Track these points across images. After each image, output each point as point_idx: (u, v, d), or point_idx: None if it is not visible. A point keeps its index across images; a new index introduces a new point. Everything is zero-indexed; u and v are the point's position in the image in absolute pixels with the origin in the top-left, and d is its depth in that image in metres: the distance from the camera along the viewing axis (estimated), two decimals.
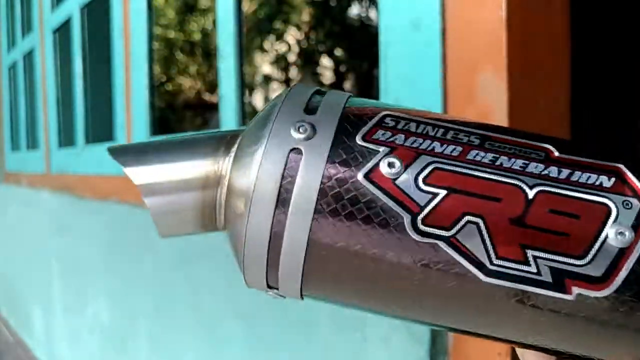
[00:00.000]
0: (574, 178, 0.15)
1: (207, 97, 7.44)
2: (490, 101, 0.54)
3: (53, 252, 1.86)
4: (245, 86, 1.01)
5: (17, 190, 2.40)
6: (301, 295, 0.17)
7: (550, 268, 0.15)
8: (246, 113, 1.01)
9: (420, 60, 0.60)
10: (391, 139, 0.16)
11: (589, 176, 0.15)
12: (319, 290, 0.17)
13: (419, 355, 0.58)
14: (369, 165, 0.16)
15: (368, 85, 6.05)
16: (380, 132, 0.16)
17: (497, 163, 0.16)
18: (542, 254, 0.15)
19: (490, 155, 0.16)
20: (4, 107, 2.76)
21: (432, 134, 0.16)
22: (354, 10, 5.94)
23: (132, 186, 0.19)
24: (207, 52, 6.99)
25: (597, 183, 0.15)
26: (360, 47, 5.89)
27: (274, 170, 0.16)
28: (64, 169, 1.82)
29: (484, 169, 0.16)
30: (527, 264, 0.15)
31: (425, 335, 0.58)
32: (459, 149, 0.16)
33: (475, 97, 0.56)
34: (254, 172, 0.16)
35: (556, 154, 0.16)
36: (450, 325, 0.17)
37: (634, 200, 0.15)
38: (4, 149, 2.77)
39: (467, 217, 0.15)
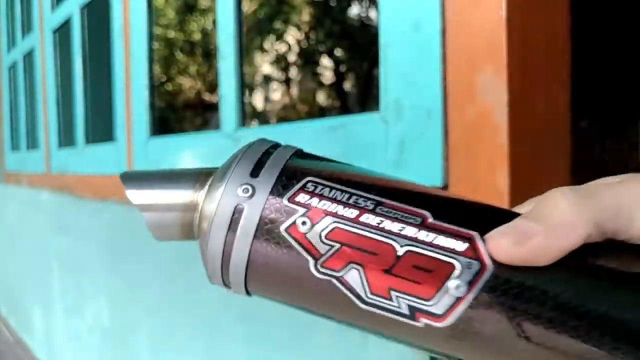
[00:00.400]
0: (436, 242, 0.22)
1: (207, 97, 7.44)
2: (490, 101, 0.54)
3: (53, 251, 1.86)
4: (245, 86, 1.01)
5: (17, 190, 2.40)
6: (247, 293, 0.25)
7: (407, 304, 0.22)
8: (246, 113, 1.01)
9: (420, 60, 0.60)
10: (308, 202, 0.23)
11: (448, 241, 0.22)
12: (257, 292, 0.25)
13: (419, 355, 0.59)
14: (289, 221, 0.23)
15: (368, 85, 6.06)
16: (302, 195, 0.23)
17: (381, 226, 0.22)
18: (402, 295, 0.22)
19: (377, 219, 0.23)
20: (4, 107, 2.77)
21: (339, 198, 0.23)
22: (354, 11, 5.95)
23: None
24: (207, 52, 7.00)
25: (452, 247, 0.22)
26: (360, 47, 5.89)
27: (227, 211, 0.24)
28: (64, 169, 1.82)
29: (370, 230, 0.22)
30: (391, 299, 0.22)
31: None
32: (356, 212, 0.23)
33: (475, 97, 0.56)
34: (214, 208, 0.24)
35: (430, 220, 0.22)
36: (362, 331, 0.25)
37: (475, 263, 0.21)
38: (4, 149, 2.77)
39: (352, 265, 0.23)
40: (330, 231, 0.23)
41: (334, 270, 0.22)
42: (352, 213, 0.23)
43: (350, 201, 0.23)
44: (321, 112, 6.61)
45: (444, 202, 0.24)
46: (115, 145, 1.40)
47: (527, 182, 0.55)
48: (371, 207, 0.23)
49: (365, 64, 6.02)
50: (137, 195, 0.26)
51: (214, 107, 6.95)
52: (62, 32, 1.89)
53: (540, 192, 0.24)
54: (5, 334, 2.51)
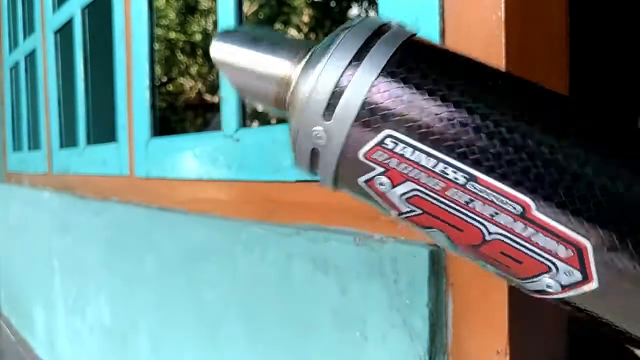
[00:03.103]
0: (534, 239, 0.18)
1: (208, 97, 7.44)
2: None
3: (54, 251, 1.87)
4: None
5: (19, 190, 2.41)
6: (334, 185, 0.22)
7: (495, 271, 0.20)
8: (247, 114, 1.02)
9: None
10: (386, 161, 0.19)
11: (549, 242, 0.18)
12: (344, 189, 0.22)
13: (419, 354, 0.59)
14: (367, 176, 0.20)
15: None
16: (379, 152, 0.19)
17: (470, 205, 0.19)
18: (489, 264, 0.20)
19: (467, 197, 0.19)
20: (6, 108, 2.77)
21: (423, 163, 0.19)
22: (354, 11, 5.95)
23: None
24: (208, 53, 6.99)
25: (553, 250, 0.18)
26: None
27: (325, 91, 0.20)
28: (65, 169, 1.83)
29: (457, 207, 0.19)
30: (478, 261, 0.21)
31: (424, 333, 0.58)
32: (442, 184, 0.19)
33: None
34: (311, 86, 0.20)
35: (532, 212, 0.18)
36: None
37: (576, 273, 0.18)
38: (6, 149, 2.78)
39: (434, 229, 0.20)
40: (411, 197, 0.19)
41: (418, 225, 0.20)
42: (437, 184, 0.19)
43: (437, 170, 0.19)
44: None
45: (556, 183, 0.17)
46: (116, 145, 1.40)
47: None
48: (461, 181, 0.18)
49: None
50: (223, 54, 0.23)
51: (215, 108, 6.95)
52: (64, 32, 1.90)
53: None
54: (7, 333, 2.52)
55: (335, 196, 0.73)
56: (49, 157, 1.99)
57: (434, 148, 0.19)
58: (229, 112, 0.97)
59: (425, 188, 0.19)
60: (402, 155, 0.19)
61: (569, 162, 0.17)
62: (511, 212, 0.18)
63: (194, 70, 7.41)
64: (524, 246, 0.18)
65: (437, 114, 0.18)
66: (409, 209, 0.20)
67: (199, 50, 7.17)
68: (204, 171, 1.04)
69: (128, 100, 1.34)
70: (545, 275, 0.18)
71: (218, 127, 1.01)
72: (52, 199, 1.89)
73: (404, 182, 0.19)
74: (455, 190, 0.19)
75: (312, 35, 6.15)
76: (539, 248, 0.18)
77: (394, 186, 0.19)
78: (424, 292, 0.58)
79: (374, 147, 0.19)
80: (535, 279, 0.19)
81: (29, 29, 2.33)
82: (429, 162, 0.19)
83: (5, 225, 2.60)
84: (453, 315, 0.59)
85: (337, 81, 0.19)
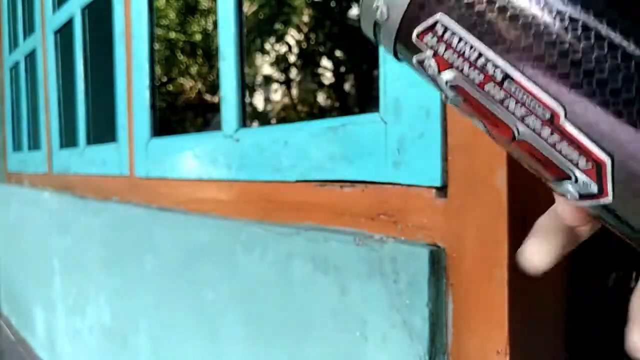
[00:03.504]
0: (558, 147, 0.19)
1: (208, 97, 7.44)
2: None
3: (54, 251, 1.87)
4: (246, 87, 1.02)
5: (19, 190, 2.41)
6: (396, 58, 0.23)
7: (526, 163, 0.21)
8: (247, 114, 1.02)
9: None
10: (435, 46, 0.21)
11: (572, 152, 0.19)
12: (403, 61, 0.23)
13: (419, 354, 0.59)
14: (420, 57, 0.21)
15: (368, 86, 6.06)
16: (430, 35, 0.21)
17: (504, 104, 0.20)
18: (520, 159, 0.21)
19: (502, 94, 0.20)
20: (6, 108, 2.77)
21: (467, 55, 0.20)
22: (354, 11, 5.95)
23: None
24: (208, 53, 7.00)
25: (574, 160, 0.19)
26: (359, 48, 5.90)
27: None
28: (65, 169, 1.83)
29: (492, 102, 0.20)
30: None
31: (424, 333, 0.58)
32: (481, 78, 0.20)
33: None
34: None
35: (560, 120, 0.19)
36: None
37: (593, 185, 0.19)
38: (6, 149, 2.78)
39: (475, 119, 0.22)
40: (454, 84, 0.21)
41: (463, 112, 0.22)
42: (477, 77, 0.20)
43: (478, 63, 0.20)
44: (321, 113, 6.62)
45: (587, 102, 0.18)
46: (116, 145, 1.40)
47: (525, 182, 0.55)
48: (499, 78, 0.19)
49: (364, 65, 6.03)
50: None
51: (214, 108, 6.96)
52: (64, 32, 1.90)
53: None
54: (7, 332, 2.52)
55: (335, 196, 0.74)
56: (49, 157, 1.99)
57: (479, 39, 0.20)
58: (229, 112, 0.97)
59: (466, 79, 0.20)
60: (449, 43, 0.20)
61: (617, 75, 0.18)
62: (540, 117, 0.19)
63: (194, 70, 7.41)
64: (548, 151, 0.19)
65: (490, 2, 0.19)
66: (454, 94, 0.21)
67: (199, 50, 7.17)
68: (204, 171, 1.04)
69: (128, 100, 1.34)
70: (567, 181, 0.20)
71: (218, 127, 1.01)
72: (52, 199, 1.89)
73: (448, 69, 0.21)
74: (493, 84, 0.20)
75: (312, 35, 6.16)
76: (562, 156, 0.19)
77: (439, 72, 0.21)
78: (424, 292, 0.58)
79: (426, 29, 0.21)
80: (558, 183, 0.20)
81: (29, 29, 2.33)
82: (472, 55, 0.20)
83: (5, 225, 2.60)
84: (453, 315, 0.59)
85: None
